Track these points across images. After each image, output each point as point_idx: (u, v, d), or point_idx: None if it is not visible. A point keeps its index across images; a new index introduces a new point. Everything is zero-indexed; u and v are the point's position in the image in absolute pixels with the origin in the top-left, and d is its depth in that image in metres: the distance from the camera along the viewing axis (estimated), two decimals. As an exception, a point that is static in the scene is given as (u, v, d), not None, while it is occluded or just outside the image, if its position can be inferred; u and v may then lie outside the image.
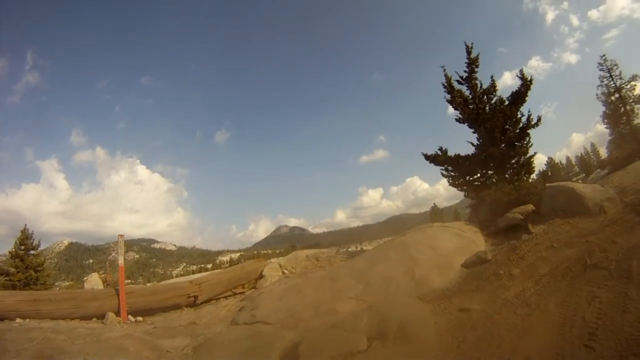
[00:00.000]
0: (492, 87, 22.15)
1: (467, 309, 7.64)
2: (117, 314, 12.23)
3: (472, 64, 22.44)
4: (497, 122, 20.83)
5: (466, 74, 22.55)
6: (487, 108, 21.86)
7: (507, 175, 21.03)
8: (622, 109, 23.43)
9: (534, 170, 22.36)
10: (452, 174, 22.37)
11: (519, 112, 21.44)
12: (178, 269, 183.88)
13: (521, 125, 21.43)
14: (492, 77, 22.45)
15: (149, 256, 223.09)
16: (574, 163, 73.12)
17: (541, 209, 14.61)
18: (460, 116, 22.54)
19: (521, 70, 21.67)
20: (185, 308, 14.60)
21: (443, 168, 22.27)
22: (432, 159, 22.30)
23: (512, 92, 21.68)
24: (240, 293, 16.82)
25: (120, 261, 14.30)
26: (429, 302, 8.86)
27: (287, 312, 10.22)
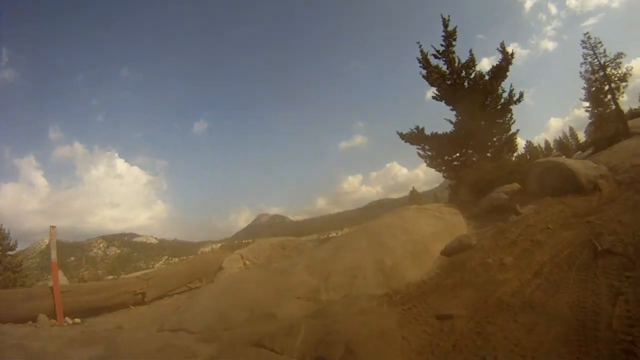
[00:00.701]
0: (471, 62, 20.27)
1: (448, 316, 5.56)
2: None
3: (449, 37, 20.49)
4: (477, 98, 19.05)
5: (443, 48, 20.60)
6: (465, 83, 20.03)
7: (488, 154, 19.30)
8: (607, 87, 21.84)
9: (517, 149, 20.62)
10: (430, 153, 20.51)
11: (499, 88, 19.77)
12: (160, 262, 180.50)
13: (502, 101, 19.74)
14: (470, 51, 20.54)
15: (130, 250, 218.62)
16: (552, 147, 71.02)
17: (528, 187, 12.99)
18: (438, 93, 20.67)
19: (502, 44, 19.81)
20: (132, 306, 12.88)
21: (420, 147, 20.39)
22: (408, 138, 20.38)
23: (493, 66, 19.88)
24: (196, 288, 14.93)
25: (53, 256, 12.29)
26: (397, 303, 6.83)
27: (218, 316, 8.20)
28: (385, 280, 8.36)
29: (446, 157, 20.31)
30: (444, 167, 20.40)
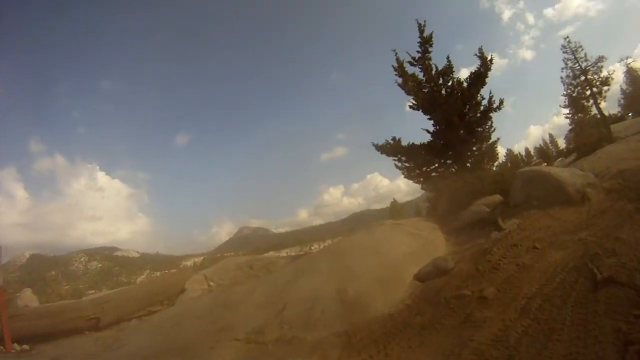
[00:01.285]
0: (449, 68, 19.14)
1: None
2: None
3: (426, 43, 19.41)
4: (455, 106, 17.95)
5: (419, 54, 19.49)
6: (443, 91, 18.90)
7: (468, 164, 18.22)
8: (589, 92, 20.99)
9: (497, 158, 19.58)
10: (407, 165, 19.32)
11: (479, 95, 18.69)
12: (142, 276, 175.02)
13: (482, 108, 18.65)
14: (448, 57, 19.42)
15: (111, 265, 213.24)
16: (532, 154, 68.92)
17: (511, 199, 11.83)
18: (414, 102, 19.49)
19: (480, 49, 18.74)
20: (87, 332, 11.50)
21: (396, 159, 19.18)
22: (384, 149, 19.18)
23: (471, 72, 18.79)
24: (157, 311, 13.46)
25: None
26: (354, 350, 5.49)
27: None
28: (346, 312, 7.11)
29: (424, 168, 19.15)
30: (421, 179, 19.22)
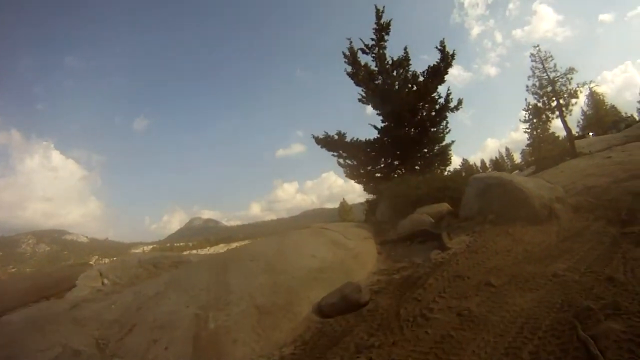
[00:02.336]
0: (405, 60, 16.96)
1: None
2: None
3: (382, 30, 17.06)
4: (408, 101, 15.74)
5: (373, 42, 17.16)
6: (396, 84, 16.56)
7: (417, 167, 16.00)
8: (555, 103, 19.18)
9: (450, 162, 17.46)
10: (350, 162, 16.85)
11: (436, 92, 16.48)
12: (90, 262, 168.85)
13: (438, 106, 16.43)
14: (405, 48, 17.22)
15: (60, 248, 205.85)
16: (488, 166, 71.49)
17: (462, 210, 9.54)
18: (364, 94, 17.08)
19: (442, 42, 16.51)
20: None
21: (336, 154, 16.64)
22: (324, 143, 16.62)
23: (429, 66, 16.55)
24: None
25: None
26: None
27: None
28: (195, 356, 4.45)
29: (369, 168, 16.77)
30: (364, 179, 16.81)
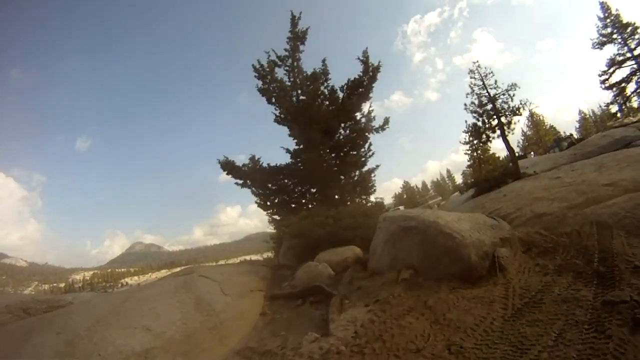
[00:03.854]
0: (322, 74, 14.37)
1: None
2: None
3: (297, 39, 14.53)
4: (323, 118, 13.31)
5: (287, 53, 14.52)
6: (312, 101, 13.80)
7: (336, 196, 13.36)
8: (496, 121, 17.09)
9: (374, 190, 14.75)
10: (262, 191, 13.90)
11: (358, 110, 14.03)
12: (30, 288, 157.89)
13: (360, 125, 13.93)
14: (324, 60, 14.73)
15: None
16: (429, 187, 71.01)
17: (371, 260, 6.97)
18: (278, 113, 14.35)
19: (364, 52, 14.21)
20: None
21: (241, 182, 13.64)
22: (230, 169, 13.61)
23: (349, 79, 14.15)
24: None
25: None
26: None
27: None
28: None
29: (284, 197, 13.90)
30: (275, 210, 13.98)
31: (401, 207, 44.71)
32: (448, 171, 73.78)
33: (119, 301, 6.22)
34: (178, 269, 16.25)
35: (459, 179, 61.19)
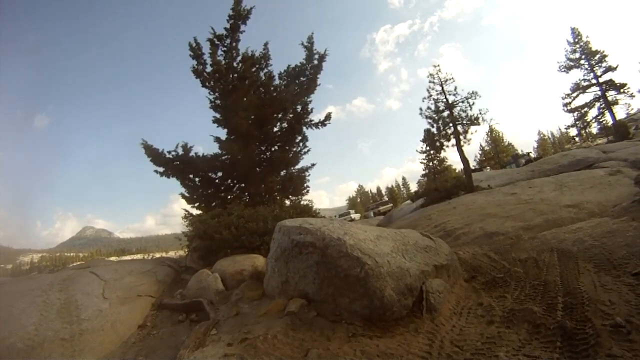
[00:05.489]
0: (263, 58, 13.05)
1: None
2: None
3: (238, 18, 12.80)
4: (255, 107, 11.98)
5: (226, 32, 12.88)
6: (247, 87, 12.25)
7: (263, 193, 12.11)
8: (451, 130, 16.01)
9: (307, 190, 13.36)
10: (191, 184, 12.31)
11: (300, 101, 12.88)
12: None
13: (292, 117, 12.87)
14: (266, 44, 13.44)
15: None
16: (383, 193, 71.63)
17: (265, 281, 5.37)
18: (211, 99, 12.90)
19: (309, 37, 12.89)
20: None
21: (161, 171, 11.84)
22: (155, 156, 11.77)
23: (289, 66, 12.91)
24: None
25: None
26: None
27: None
28: None
29: (210, 191, 12.34)
30: (201, 204, 12.51)
31: (352, 211, 43.81)
32: (404, 179, 74.77)
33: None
34: (128, 257, 14.25)
35: (414, 188, 61.51)
